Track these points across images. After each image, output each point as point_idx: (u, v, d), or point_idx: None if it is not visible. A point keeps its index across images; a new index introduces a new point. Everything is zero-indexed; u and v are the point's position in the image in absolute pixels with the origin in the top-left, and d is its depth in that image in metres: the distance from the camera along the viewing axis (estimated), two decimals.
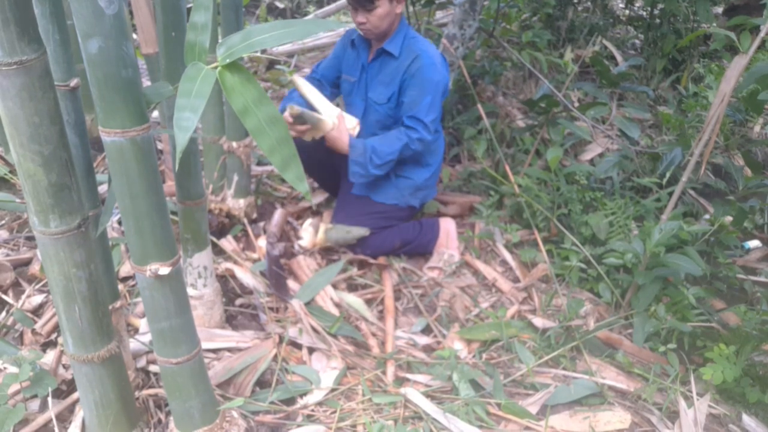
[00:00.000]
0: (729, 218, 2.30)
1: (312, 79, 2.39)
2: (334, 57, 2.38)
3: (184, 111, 0.91)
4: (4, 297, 1.91)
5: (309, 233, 2.23)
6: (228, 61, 0.96)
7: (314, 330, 1.89)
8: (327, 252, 2.26)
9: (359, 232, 2.19)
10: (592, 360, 1.86)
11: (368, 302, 2.08)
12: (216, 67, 0.96)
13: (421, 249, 2.33)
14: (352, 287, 2.16)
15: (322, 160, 2.33)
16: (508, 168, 2.47)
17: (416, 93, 2.12)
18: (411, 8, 3.29)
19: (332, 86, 2.42)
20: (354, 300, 2.05)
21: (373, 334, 1.95)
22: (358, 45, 2.28)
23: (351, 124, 2.13)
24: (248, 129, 0.96)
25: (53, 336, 1.78)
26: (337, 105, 2.24)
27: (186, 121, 0.91)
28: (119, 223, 2.19)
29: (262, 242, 2.23)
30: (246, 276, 2.08)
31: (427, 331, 2.01)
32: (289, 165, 0.99)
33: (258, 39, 0.96)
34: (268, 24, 0.97)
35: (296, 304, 1.96)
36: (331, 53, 2.40)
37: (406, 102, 2.15)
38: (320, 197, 2.60)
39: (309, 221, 2.31)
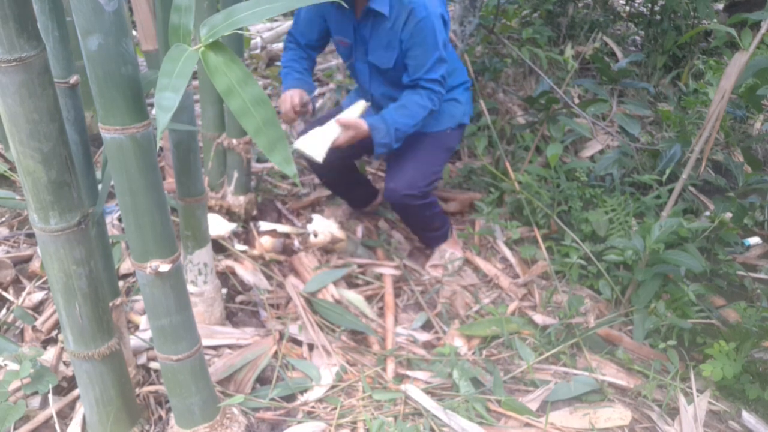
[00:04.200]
0: (729, 215, 2.30)
1: (295, 52, 2.12)
2: (314, 11, 2.06)
3: (165, 91, 0.92)
4: (5, 294, 1.91)
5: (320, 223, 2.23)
6: (211, 40, 0.94)
7: (314, 326, 1.89)
8: (327, 252, 2.25)
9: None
10: (592, 357, 1.87)
11: (368, 299, 2.08)
12: (199, 48, 0.95)
13: (434, 242, 2.32)
14: (353, 284, 2.16)
15: (344, 173, 2.32)
16: (508, 165, 2.46)
17: (421, 53, 1.90)
18: None
19: (315, 49, 2.14)
20: (354, 296, 2.05)
21: (374, 331, 1.95)
22: None
23: (356, 112, 1.96)
24: (232, 110, 0.94)
25: (54, 333, 1.78)
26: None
27: (167, 101, 0.91)
28: (119, 220, 2.19)
29: (263, 239, 2.23)
30: (246, 273, 2.08)
31: (427, 327, 2.01)
32: (276, 147, 0.96)
33: (241, 16, 0.94)
34: (250, 1, 0.94)
35: (297, 301, 1.96)
36: (304, 8, 2.06)
37: (412, 65, 1.93)
38: (317, 193, 2.59)
39: (315, 220, 2.29)
